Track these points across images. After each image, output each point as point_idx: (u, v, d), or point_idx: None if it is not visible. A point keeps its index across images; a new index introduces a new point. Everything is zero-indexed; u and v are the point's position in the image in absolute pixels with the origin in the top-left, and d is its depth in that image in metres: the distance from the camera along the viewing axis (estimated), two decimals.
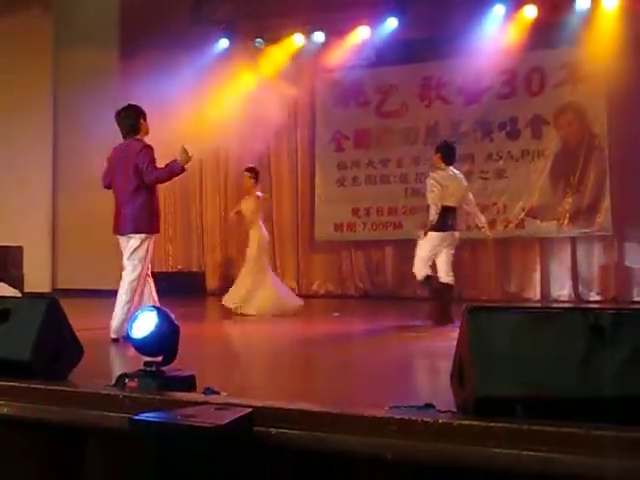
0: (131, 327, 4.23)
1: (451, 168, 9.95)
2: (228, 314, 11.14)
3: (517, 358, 3.45)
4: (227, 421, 3.37)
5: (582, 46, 13.22)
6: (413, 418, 3.37)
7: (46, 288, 15.22)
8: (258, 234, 11.53)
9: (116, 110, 8.29)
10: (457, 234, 10.02)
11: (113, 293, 13.35)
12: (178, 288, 13.74)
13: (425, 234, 9.71)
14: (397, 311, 12.35)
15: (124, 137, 8.14)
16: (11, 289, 13.56)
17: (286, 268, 15.66)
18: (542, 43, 13.45)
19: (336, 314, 11.44)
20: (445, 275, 9.90)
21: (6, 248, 14.78)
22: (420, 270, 9.87)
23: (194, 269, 16.29)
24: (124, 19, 16.05)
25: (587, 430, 3.10)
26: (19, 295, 13.31)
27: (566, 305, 13.02)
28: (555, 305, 13.08)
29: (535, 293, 13.73)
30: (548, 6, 13.26)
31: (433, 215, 9.61)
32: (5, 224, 14.73)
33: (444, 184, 9.68)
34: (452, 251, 9.97)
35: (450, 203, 9.73)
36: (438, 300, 9.80)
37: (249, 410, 3.57)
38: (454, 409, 3.61)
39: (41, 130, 15.36)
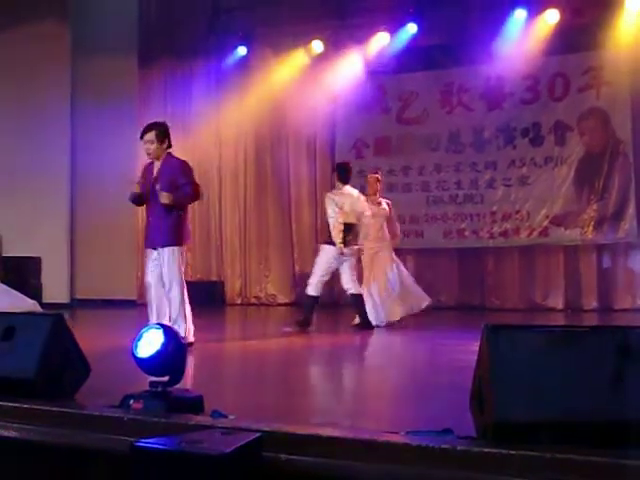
0: (136, 346, 4.06)
1: (347, 187, 10.46)
2: (245, 326, 10.96)
3: (540, 380, 3.25)
4: (233, 448, 3.19)
5: (605, 50, 13.00)
6: (430, 445, 3.18)
7: (64, 298, 15.13)
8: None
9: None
10: (356, 247, 10.34)
11: (131, 303, 13.34)
12: (197, 297, 13.59)
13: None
14: (418, 321, 12.15)
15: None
16: (29, 300, 13.48)
17: (307, 277, 15.45)
18: (565, 47, 13.25)
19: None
20: (350, 285, 10.38)
21: (24, 259, 14.75)
22: (314, 287, 10.40)
23: (213, 278, 16.14)
24: (142, 28, 16.01)
25: (616, 459, 2.90)
26: (37, 306, 13.27)
27: (591, 314, 12.83)
28: (580, 314, 12.90)
29: (559, 302, 13.48)
30: (570, 10, 13.03)
31: (334, 232, 10.03)
32: (23, 235, 14.67)
33: (339, 203, 10.15)
34: (353, 261, 10.44)
35: (349, 220, 10.11)
36: (308, 312, 10.26)
37: (258, 435, 3.39)
38: (474, 434, 3.42)
39: (59, 139, 15.27)
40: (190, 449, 3.17)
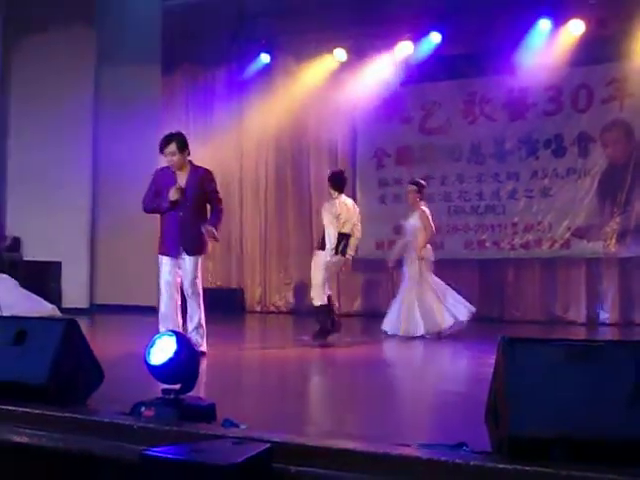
0: (149, 353, 4.03)
1: (342, 196, 10.50)
2: (263, 334, 10.91)
3: (557, 395, 3.19)
4: (243, 458, 3.14)
5: (630, 61, 12.88)
6: (443, 459, 3.12)
7: (84, 303, 15.14)
8: (428, 252, 10.96)
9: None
10: (344, 258, 10.43)
11: (150, 310, 13.31)
12: (216, 304, 13.62)
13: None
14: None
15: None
16: (48, 304, 13.52)
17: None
18: (589, 58, 13.12)
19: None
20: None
21: (45, 263, 14.79)
22: (320, 296, 10.29)
23: (233, 286, 16.12)
24: (166, 35, 16.01)
25: (633, 478, 2.82)
26: (56, 310, 13.30)
27: (612, 328, 12.71)
28: (601, 327, 12.78)
29: (580, 315, 13.33)
30: (595, 20, 12.93)
31: (332, 241, 10.17)
32: (44, 239, 14.72)
33: (335, 213, 10.24)
34: (333, 272, 10.73)
35: (344, 230, 10.27)
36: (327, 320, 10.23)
37: (268, 446, 3.34)
38: (489, 448, 3.35)
39: (80, 145, 15.31)
40: (199, 459, 3.13)
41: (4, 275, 13.82)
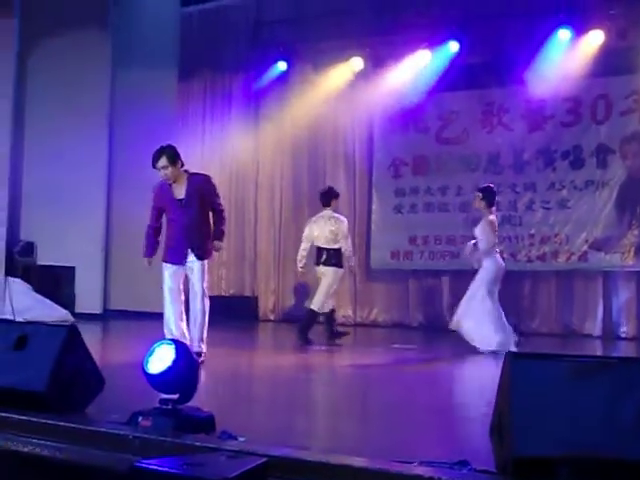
0: (147, 361, 3.94)
1: (325, 210, 11.45)
2: (274, 342, 10.83)
3: (563, 413, 3.09)
4: (236, 473, 3.05)
5: None
6: (444, 478, 3.02)
7: (97, 309, 15.12)
8: (492, 262, 10.18)
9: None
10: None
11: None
12: (230, 312, 13.59)
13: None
14: (451, 344, 11.97)
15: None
16: (62, 309, 13.52)
17: (342, 296, 15.31)
18: (608, 70, 12.97)
19: (396, 345, 10.93)
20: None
21: (59, 268, 14.77)
22: (328, 304, 11.09)
23: (247, 294, 16.04)
24: (183, 40, 16.01)
25: None
26: (69, 316, 13.28)
27: (629, 342, 12.56)
28: (617, 342, 12.62)
29: (597, 328, 13.17)
30: (615, 31, 12.80)
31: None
32: (58, 244, 14.68)
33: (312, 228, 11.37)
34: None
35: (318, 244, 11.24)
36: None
37: (264, 460, 3.25)
38: (492, 467, 3.25)
39: (96, 150, 15.30)
40: (192, 472, 3.04)
41: (17, 280, 13.84)
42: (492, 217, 10.35)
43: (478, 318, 9.94)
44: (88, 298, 15.00)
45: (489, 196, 10.43)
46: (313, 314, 11.09)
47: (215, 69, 16.28)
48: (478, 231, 10.30)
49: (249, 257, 16.07)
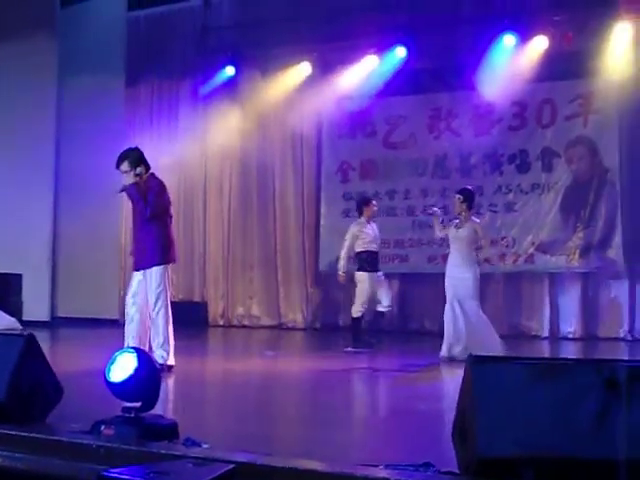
0: (109, 370, 3.94)
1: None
2: (227, 349, 10.80)
3: (525, 414, 3.16)
4: None
5: (594, 78, 12.96)
6: None
7: (45, 316, 14.95)
8: (475, 270, 10.00)
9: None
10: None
11: (113, 323, 13.17)
12: (179, 318, 13.46)
13: None
14: (400, 347, 12.08)
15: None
16: (9, 317, 13.32)
17: (291, 300, 15.39)
18: (553, 74, 13.18)
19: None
20: None
21: (5, 275, 14.56)
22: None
23: (196, 299, 15.98)
24: (130, 45, 15.91)
25: None
26: (17, 323, 13.11)
27: (576, 342, 12.76)
28: (564, 342, 12.82)
29: (544, 329, 13.38)
30: (559, 37, 13.00)
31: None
32: (4, 251, 14.47)
33: None
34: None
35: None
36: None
37: (231, 466, 3.27)
38: (455, 467, 3.30)
39: (43, 157, 15.14)
40: None
41: None
42: (478, 220, 10.26)
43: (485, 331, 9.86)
44: (35, 305, 14.81)
45: (469, 198, 10.10)
46: (355, 320, 11.23)
47: (162, 74, 16.21)
48: (465, 234, 9.89)
49: (198, 263, 16.02)
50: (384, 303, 11.50)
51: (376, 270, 11.35)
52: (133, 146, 8.38)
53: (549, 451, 3.08)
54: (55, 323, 14.96)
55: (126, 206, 14.81)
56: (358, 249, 11.35)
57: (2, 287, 14.45)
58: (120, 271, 15.72)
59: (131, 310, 8.03)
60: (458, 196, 10.11)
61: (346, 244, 11.51)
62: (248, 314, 15.74)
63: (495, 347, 9.33)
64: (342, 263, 11.55)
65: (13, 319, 13.38)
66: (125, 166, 7.96)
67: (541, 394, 3.21)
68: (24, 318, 13.97)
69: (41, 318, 14.66)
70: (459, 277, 9.97)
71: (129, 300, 8.09)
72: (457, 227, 10.04)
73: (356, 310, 11.14)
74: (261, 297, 15.71)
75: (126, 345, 7.90)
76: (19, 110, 14.97)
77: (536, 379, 3.24)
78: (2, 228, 14.62)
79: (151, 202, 7.94)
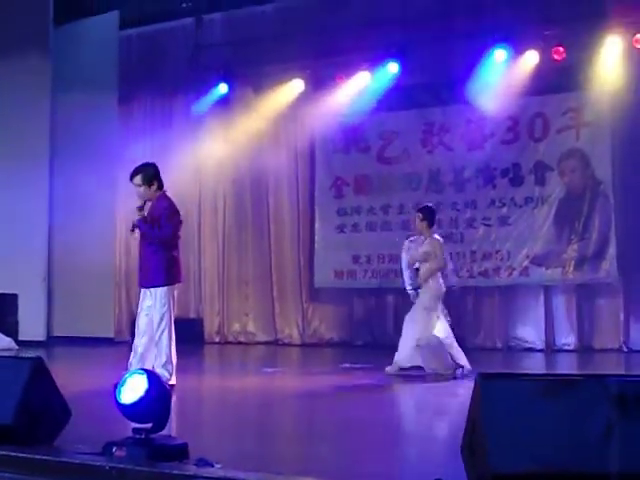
0: (119, 391, 3.97)
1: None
2: (226, 366, 10.80)
3: (534, 430, 3.20)
4: None
5: (585, 91, 13.07)
6: None
7: (41, 336, 14.89)
8: (432, 282, 9.95)
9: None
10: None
11: (108, 341, 13.16)
12: (175, 335, 13.47)
13: None
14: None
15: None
16: (5, 337, 13.33)
17: (286, 315, 15.41)
18: (544, 88, 13.30)
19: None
20: None
21: (1, 296, 14.52)
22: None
23: (191, 316, 15.98)
24: (123, 63, 15.91)
25: None
26: (13, 343, 13.12)
27: (570, 353, 12.84)
28: (559, 354, 12.87)
29: (540, 342, 13.42)
30: (550, 51, 13.09)
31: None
32: (0, 272, 14.44)
33: None
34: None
35: None
36: None
37: None
38: None
39: (37, 176, 15.09)
40: None
41: None
42: (438, 237, 10.18)
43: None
44: (31, 325, 14.74)
45: (430, 216, 10.17)
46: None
47: (155, 92, 16.26)
48: (425, 250, 9.92)
49: (193, 279, 16.02)
50: None
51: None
52: (150, 161, 8.40)
53: (559, 466, 3.12)
54: (51, 343, 14.91)
55: (121, 225, 14.90)
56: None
57: None
58: (115, 289, 15.73)
59: (142, 324, 8.06)
60: (418, 214, 10.23)
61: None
62: (244, 330, 15.75)
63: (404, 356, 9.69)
64: None
65: (9, 339, 13.38)
66: (138, 180, 7.98)
67: (549, 410, 3.26)
68: (20, 338, 13.95)
69: (37, 338, 14.61)
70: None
71: (142, 315, 8.09)
72: (414, 243, 10.19)
73: None
74: (257, 313, 15.73)
75: (132, 358, 7.95)
76: (12, 128, 14.95)
77: (543, 395, 3.29)
78: None
79: (164, 226, 8.00)
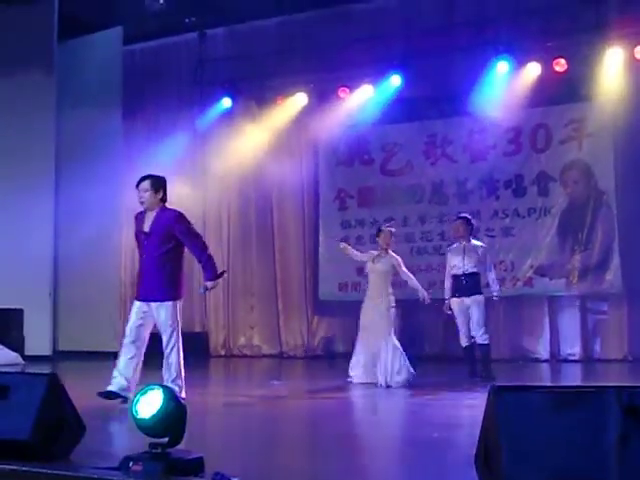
0: (135, 406, 4.02)
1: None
2: (235, 379, 10.81)
3: (548, 443, 3.24)
4: None
5: (587, 102, 13.18)
6: None
7: (46, 351, 14.92)
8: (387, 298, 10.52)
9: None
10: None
11: (114, 355, 13.12)
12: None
13: None
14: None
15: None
16: (11, 352, 13.36)
17: (292, 328, 15.46)
18: (547, 99, 13.40)
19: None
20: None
21: (6, 311, 14.57)
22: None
23: (197, 329, 16.02)
24: (127, 79, 15.99)
25: None
26: (19, 358, 13.15)
27: (575, 363, 12.87)
28: (566, 364, 12.91)
29: (544, 352, 13.47)
30: (552, 63, 13.17)
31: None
32: (5, 286, 14.48)
33: None
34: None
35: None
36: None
37: None
38: None
39: (42, 193, 15.13)
40: None
41: None
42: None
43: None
44: (37, 340, 14.78)
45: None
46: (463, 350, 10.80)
47: (159, 107, 16.35)
48: (384, 268, 10.53)
49: (198, 292, 16.02)
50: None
51: (460, 295, 10.96)
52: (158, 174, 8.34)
53: (572, 477, 3.17)
54: (57, 357, 14.95)
55: (126, 241, 14.93)
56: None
57: (4, 322, 14.46)
58: (120, 303, 15.76)
59: (133, 334, 7.95)
60: (391, 229, 10.61)
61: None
62: (249, 344, 15.80)
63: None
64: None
65: (15, 354, 13.41)
66: (147, 184, 7.86)
67: (562, 421, 3.30)
68: (26, 353, 13.99)
69: (43, 352, 14.64)
70: (371, 306, 10.66)
71: (133, 327, 7.98)
72: (376, 259, 10.49)
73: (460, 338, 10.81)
74: (262, 326, 15.77)
75: (119, 359, 7.89)
76: (17, 145, 15.00)
77: (557, 407, 3.33)
78: (3, 263, 14.64)
79: (193, 234, 8.06)
